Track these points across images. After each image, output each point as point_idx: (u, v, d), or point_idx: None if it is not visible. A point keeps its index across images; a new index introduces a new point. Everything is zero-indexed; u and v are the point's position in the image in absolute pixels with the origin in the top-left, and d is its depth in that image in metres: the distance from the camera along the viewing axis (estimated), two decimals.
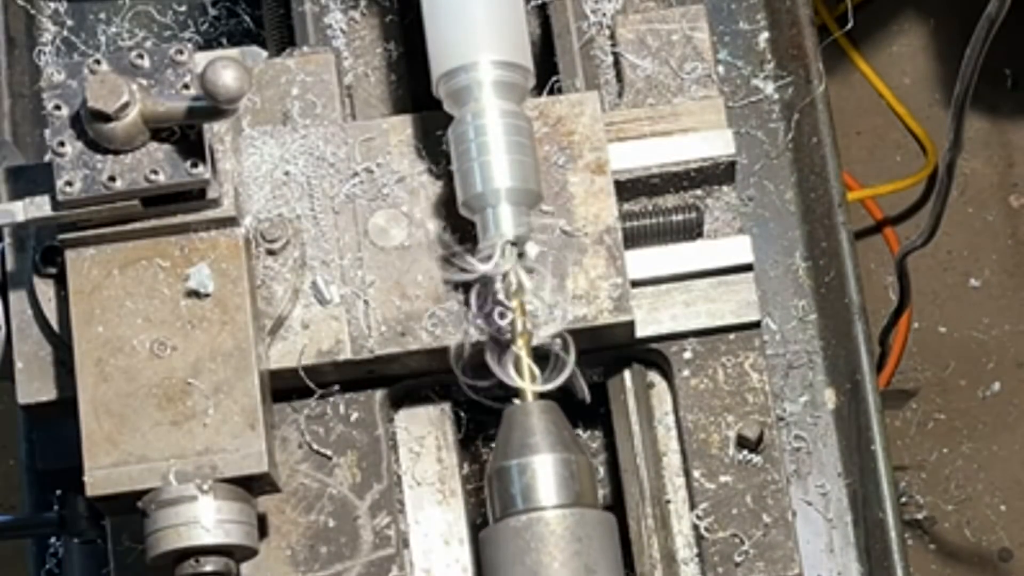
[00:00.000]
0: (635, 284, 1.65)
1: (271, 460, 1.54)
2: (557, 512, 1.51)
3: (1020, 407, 2.92)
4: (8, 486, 2.91)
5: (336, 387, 1.65)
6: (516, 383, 1.55)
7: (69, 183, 1.51)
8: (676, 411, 1.69)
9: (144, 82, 1.51)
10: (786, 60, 1.87)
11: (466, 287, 1.61)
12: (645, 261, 1.66)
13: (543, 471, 1.52)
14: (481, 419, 1.78)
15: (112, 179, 1.51)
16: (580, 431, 1.78)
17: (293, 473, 1.65)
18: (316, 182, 1.65)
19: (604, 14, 1.78)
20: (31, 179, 1.58)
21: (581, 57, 1.75)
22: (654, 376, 1.72)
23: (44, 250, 1.61)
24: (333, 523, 1.65)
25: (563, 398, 1.77)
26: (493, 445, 1.77)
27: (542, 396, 1.56)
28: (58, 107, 1.51)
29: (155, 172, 1.51)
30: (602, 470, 1.77)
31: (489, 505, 1.55)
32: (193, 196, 1.55)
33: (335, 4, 1.81)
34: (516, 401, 1.56)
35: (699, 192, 1.71)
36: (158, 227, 1.57)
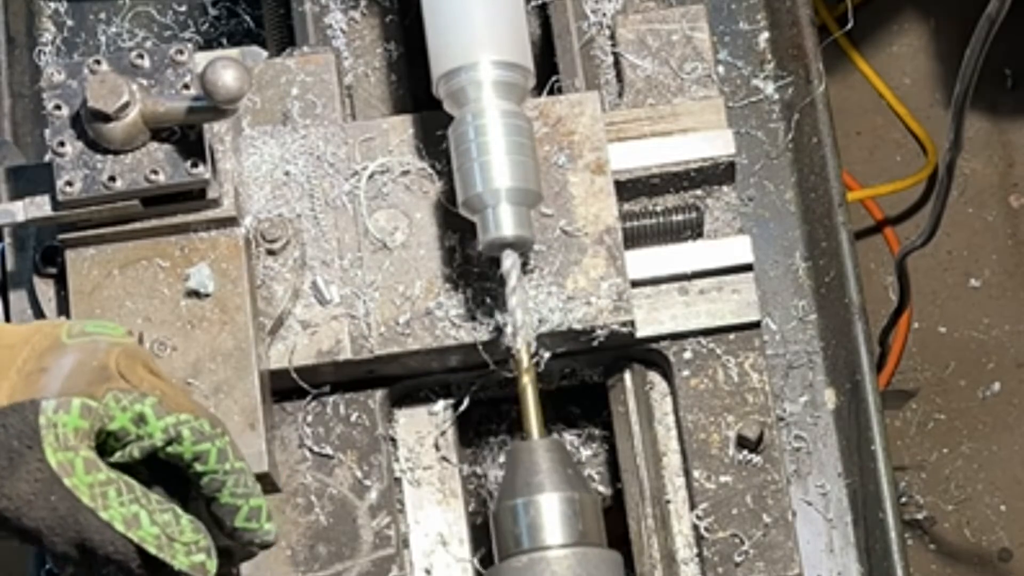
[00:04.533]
0: (635, 284, 1.65)
1: (271, 460, 1.54)
2: (559, 552, 1.49)
3: (1020, 407, 2.92)
4: None
5: (328, 387, 1.65)
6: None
7: (69, 183, 1.51)
8: (676, 411, 1.69)
9: (144, 82, 1.51)
10: (786, 60, 1.87)
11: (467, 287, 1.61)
12: (645, 261, 1.66)
13: (547, 509, 1.50)
14: (481, 419, 1.78)
15: (112, 179, 1.51)
16: (580, 431, 1.78)
17: (293, 473, 1.65)
18: (316, 182, 1.65)
19: (604, 14, 1.78)
20: (31, 179, 1.58)
21: (581, 57, 1.75)
22: (654, 376, 1.72)
23: (44, 250, 1.61)
24: (333, 523, 1.64)
25: (566, 395, 1.78)
26: (490, 441, 1.77)
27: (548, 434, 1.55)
28: (58, 107, 1.51)
29: (155, 172, 1.51)
30: (602, 470, 1.77)
31: (494, 544, 1.53)
32: (193, 196, 1.56)
33: (335, 4, 1.81)
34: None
35: (699, 192, 1.71)
36: (158, 227, 1.57)
